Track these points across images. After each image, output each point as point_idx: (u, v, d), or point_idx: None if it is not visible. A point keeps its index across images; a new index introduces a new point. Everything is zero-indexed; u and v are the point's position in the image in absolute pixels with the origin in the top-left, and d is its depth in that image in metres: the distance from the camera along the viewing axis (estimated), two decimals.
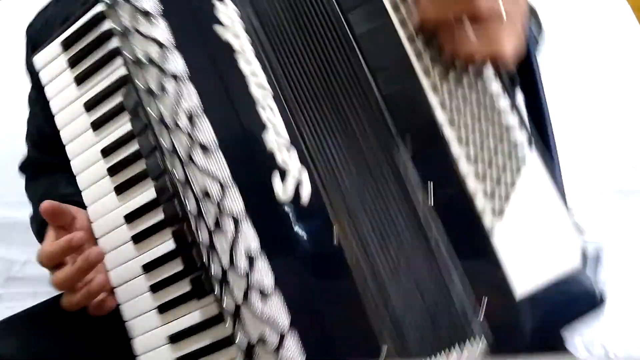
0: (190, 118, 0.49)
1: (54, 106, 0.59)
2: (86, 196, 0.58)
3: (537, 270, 0.48)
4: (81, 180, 0.58)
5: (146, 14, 0.50)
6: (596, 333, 0.94)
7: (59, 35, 0.57)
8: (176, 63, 0.50)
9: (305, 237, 0.47)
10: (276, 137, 0.48)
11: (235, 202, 0.47)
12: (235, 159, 0.48)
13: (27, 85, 1.37)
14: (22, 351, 0.58)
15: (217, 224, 0.47)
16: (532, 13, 0.60)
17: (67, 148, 0.58)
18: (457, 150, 0.48)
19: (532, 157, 0.50)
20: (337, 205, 0.48)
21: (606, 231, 1.15)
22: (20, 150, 1.31)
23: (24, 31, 0.87)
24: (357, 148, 0.49)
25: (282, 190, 0.47)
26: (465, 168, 0.48)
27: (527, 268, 0.48)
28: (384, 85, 0.49)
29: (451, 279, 0.47)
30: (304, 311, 0.47)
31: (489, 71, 0.49)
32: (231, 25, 0.50)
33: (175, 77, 0.49)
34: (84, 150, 0.58)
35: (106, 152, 0.56)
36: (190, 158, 0.48)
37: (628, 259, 1.09)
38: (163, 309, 0.54)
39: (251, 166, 0.48)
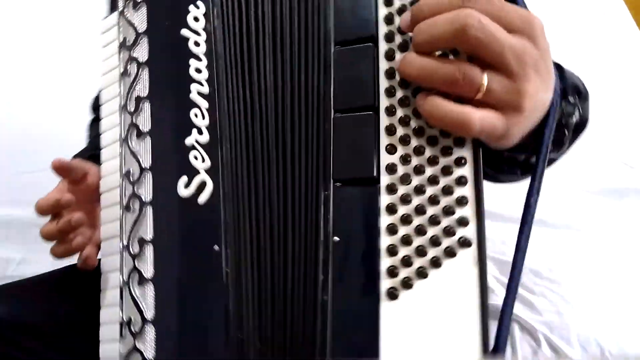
0: (137, 101, 0.52)
1: (103, 68, 0.63)
2: (103, 153, 0.62)
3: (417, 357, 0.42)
4: (104, 137, 0.62)
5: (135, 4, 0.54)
6: (591, 331, 0.92)
7: None
8: (143, 49, 0.53)
9: (191, 237, 0.48)
10: (197, 138, 0.49)
11: (147, 188, 0.50)
12: (158, 149, 0.50)
13: (26, 86, 1.48)
14: (7, 315, 0.63)
15: (128, 203, 0.50)
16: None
17: (102, 107, 0.63)
18: (385, 199, 0.44)
19: (472, 249, 0.43)
20: (229, 215, 0.47)
21: (602, 231, 1.19)
22: (18, 149, 1.44)
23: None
24: (280, 175, 0.47)
25: (185, 187, 0.48)
26: (386, 221, 0.44)
27: (406, 350, 0.42)
28: (337, 104, 0.46)
29: (325, 327, 0.44)
30: (168, 313, 0.48)
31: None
32: (196, 30, 0.51)
33: (137, 61, 0.53)
34: (112, 112, 0.62)
35: None
36: (127, 138, 0.52)
37: (623, 259, 1.07)
38: None
39: (168, 159, 0.50)
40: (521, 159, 0.54)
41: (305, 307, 0.45)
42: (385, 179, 0.44)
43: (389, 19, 0.45)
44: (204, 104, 0.49)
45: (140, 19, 0.53)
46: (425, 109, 0.41)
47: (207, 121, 0.49)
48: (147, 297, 0.48)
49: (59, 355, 0.64)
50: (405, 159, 0.43)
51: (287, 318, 0.45)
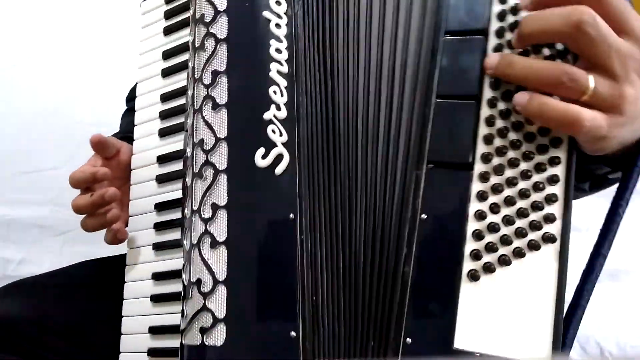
0: (214, 75, 0.54)
1: (141, 48, 0.67)
2: (137, 130, 0.65)
3: (491, 341, 0.44)
4: (138, 116, 0.66)
5: None
6: (591, 331, 0.93)
7: None
8: (222, 26, 0.55)
9: (266, 205, 0.50)
10: (275, 113, 0.51)
11: (221, 157, 0.51)
12: (235, 121, 0.52)
13: (24, 87, 1.49)
14: (25, 310, 0.63)
15: (200, 171, 0.51)
16: None
17: (138, 86, 0.67)
18: (476, 186, 0.46)
19: (555, 245, 0.45)
20: (304, 186, 0.50)
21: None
22: (18, 149, 1.45)
23: None
24: (367, 152, 0.50)
25: (262, 158, 0.50)
26: (476, 207, 0.46)
27: (482, 332, 0.44)
28: (441, 89, 0.48)
29: (405, 297, 0.46)
30: (241, 274, 0.49)
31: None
32: (278, 13, 0.54)
33: (215, 37, 0.55)
34: (149, 91, 0.65)
35: (163, 97, 0.63)
36: (201, 108, 0.53)
37: (623, 259, 1.07)
38: (157, 247, 0.59)
39: (245, 131, 0.52)
40: (599, 172, 0.55)
41: (385, 277, 0.47)
42: (479, 167, 0.46)
43: (501, 16, 0.47)
44: (283, 82, 0.52)
45: None
46: (533, 106, 0.43)
47: (285, 99, 0.52)
48: (220, 260, 0.49)
49: (83, 352, 0.63)
50: (501, 151, 0.46)
51: (364, 286, 0.47)
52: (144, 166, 0.63)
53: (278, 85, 0.52)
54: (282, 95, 0.52)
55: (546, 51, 0.46)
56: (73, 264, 0.74)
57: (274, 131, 0.51)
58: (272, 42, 0.53)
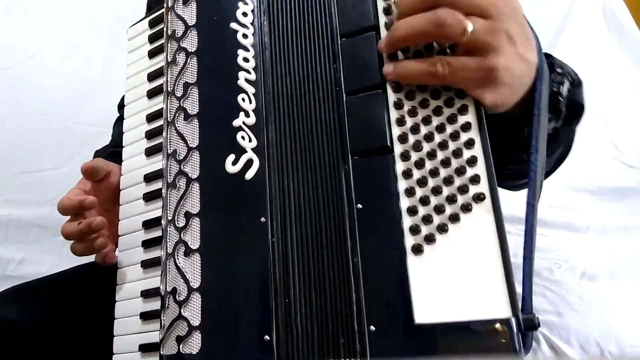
0: (185, 87, 0.55)
1: (128, 72, 0.69)
2: (125, 152, 0.66)
3: (449, 308, 0.45)
4: (126, 137, 0.67)
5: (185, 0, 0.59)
6: (591, 331, 0.93)
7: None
8: (192, 40, 0.57)
9: (238, 210, 0.51)
10: (244, 120, 0.53)
11: (194, 166, 0.53)
12: (206, 130, 0.54)
13: (24, 87, 1.48)
14: (23, 315, 0.64)
15: (174, 181, 0.53)
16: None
17: (125, 108, 0.68)
18: (400, 166, 0.48)
19: (486, 202, 0.46)
20: (274, 189, 0.51)
21: (602, 231, 1.22)
22: (18, 149, 1.45)
23: None
24: (310, 154, 0.52)
25: (232, 164, 0.52)
26: (404, 185, 0.48)
27: (438, 301, 0.45)
28: (348, 87, 0.51)
29: (359, 288, 0.47)
30: (215, 281, 0.51)
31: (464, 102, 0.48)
32: (244, 24, 0.55)
33: (186, 51, 0.56)
34: (136, 113, 0.66)
35: (149, 117, 0.64)
36: (173, 120, 0.55)
37: (623, 258, 1.08)
38: (145, 265, 0.60)
39: (216, 139, 0.53)
40: (525, 132, 0.56)
41: (340, 271, 0.48)
42: (398, 148, 0.48)
43: (387, 10, 0.51)
44: (251, 89, 0.54)
45: (189, 13, 0.58)
46: (398, 70, 0.48)
47: (253, 105, 0.53)
48: (194, 267, 0.51)
49: (73, 357, 0.65)
50: (414, 129, 0.49)
51: (326, 283, 0.48)
52: (132, 186, 0.64)
53: (246, 92, 0.53)
54: (250, 102, 0.53)
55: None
56: (68, 268, 0.76)
57: (243, 137, 0.52)
58: (240, 51, 0.54)
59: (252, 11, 0.56)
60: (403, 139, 0.48)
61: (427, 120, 0.48)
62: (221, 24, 0.56)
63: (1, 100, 1.48)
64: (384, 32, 0.51)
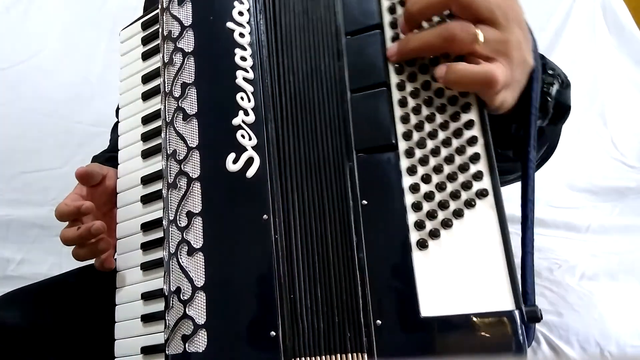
0: (183, 87, 0.55)
1: (121, 75, 0.68)
2: (121, 155, 0.66)
3: (454, 301, 0.46)
4: (121, 140, 0.67)
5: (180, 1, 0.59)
6: (591, 331, 0.94)
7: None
8: (188, 40, 0.57)
9: (240, 208, 0.52)
10: (244, 119, 0.53)
11: (194, 165, 0.53)
12: (206, 129, 0.54)
13: (24, 87, 1.47)
14: (23, 320, 0.64)
15: (174, 181, 0.53)
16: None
17: (120, 111, 0.68)
18: (404, 163, 0.49)
19: (489, 198, 0.47)
20: (276, 187, 0.51)
21: (602, 231, 1.23)
22: (18, 149, 1.45)
23: None
24: (312, 150, 0.52)
25: (233, 162, 0.52)
26: (408, 181, 0.48)
27: (443, 295, 0.46)
28: (352, 84, 0.52)
29: (365, 283, 0.48)
30: (219, 278, 0.51)
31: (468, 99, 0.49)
32: (241, 23, 0.56)
33: (183, 51, 0.56)
34: (131, 115, 0.66)
35: (144, 119, 0.64)
36: (172, 121, 0.55)
37: (623, 258, 1.09)
38: (145, 267, 0.60)
39: (216, 138, 0.53)
40: (512, 129, 0.57)
41: (346, 267, 0.49)
42: (402, 145, 0.49)
43: (391, 9, 0.52)
44: (249, 88, 0.54)
45: (185, 14, 0.58)
46: (450, 77, 0.47)
47: (252, 103, 0.53)
48: (197, 266, 0.51)
49: None
50: (419, 126, 0.49)
51: (331, 278, 0.49)
52: (129, 189, 0.64)
53: (245, 91, 0.54)
54: (249, 100, 0.53)
55: (435, 19, 0.49)
56: (67, 271, 0.76)
57: (243, 136, 0.52)
58: (237, 50, 0.54)
59: (248, 10, 0.56)
60: (407, 136, 0.49)
61: (430, 118, 0.49)
62: (217, 23, 0.56)
63: (1, 100, 1.47)
64: (388, 31, 0.51)
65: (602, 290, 1.02)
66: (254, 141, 0.52)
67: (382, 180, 0.49)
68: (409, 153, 0.49)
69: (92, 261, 0.66)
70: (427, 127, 0.49)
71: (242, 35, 0.55)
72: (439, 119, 0.49)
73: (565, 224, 1.25)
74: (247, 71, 0.54)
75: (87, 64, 1.58)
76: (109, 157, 0.73)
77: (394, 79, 0.51)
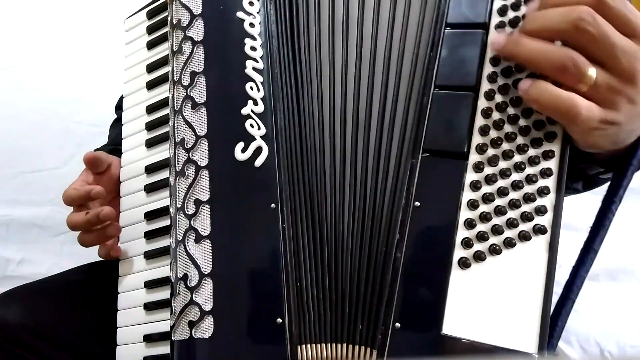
0: (192, 76, 0.55)
1: (126, 64, 0.69)
2: (125, 143, 0.67)
3: (478, 328, 0.45)
4: (125, 129, 0.67)
5: None
6: (591, 331, 0.94)
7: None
8: (198, 29, 0.57)
9: (248, 196, 0.52)
10: (253, 108, 0.53)
11: (202, 153, 0.53)
12: (215, 118, 0.54)
13: (24, 87, 1.48)
14: (24, 317, 0.63)
15: (182, 169, 0.53)
16: None
17: (124, 100, 0.68)
18: (470, 176, 0.47)
19: (546, 237, 0.46)
20: (284, 176, 0.52)
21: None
22: (18, 149, 1.45)
23: None
24: None
25: (242, 151, 0.52)
26: (468, 196, 0.47)
27: (470, 319, 0.46)
28: (439, 80, 0.50)
29: (396, 283, 0.47)
30: (226, 266, 0.51)
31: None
32: (251, 12, 0.56)
33: (192, 40, 0.57)
34: (135, 104, 0.67)
35: (149, 109, 0.64)
36: (181, 109, 0.55)
37: (623, 259, 1.08)
38: (148, 255, 0.60)
39: (225, 127, 0.54)
40: (592, 172, 0.56)
41: (375, 261, 0.49)
42: (473, 157, 0.47)
43: (502, 11, 0.48)
44: (259, 78, 0.54)
45: (195, 3, 0.58)
46: (532, 92, 0.44)
47: (262, 93, 0.54)
48: (205, 253, 0.51)
49: (74, 359, 0.64)
50: (496, 142, 0.47)
51: (352, 270, 0.49)
52: (133, 177, 0.64)
53: (254, 81, 0.54)
54: (258, 90, 0.54)
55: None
56: (68, 269, 0.76)
57: (252, 125, 0.53)
58: (247, 40, 0.55)
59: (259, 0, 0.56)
60: (481, 149, 0.47)
61: (510, 137, 0.47)
62: (227, 12, 0.56)
63: (1, 100, 1.47)
64: (492, 33, 0.48)
65: (602, 290, 1.02)
66: (263, 131, 0.53)
67: (442, 187, 0.48)
68: (478, 167, 0.47)
69: (93, 259, 0.66)
70: (504, 146, 0.47)
71: (252, 25, 0.55)
72: (519, 140, 0.47)
73: (565, 224, 1.23)
74: (257, 61, 0.54)
75: (87, 64, 1.57)
76: (112, 149, 0.73)
77: (485, 86, 0.48)
